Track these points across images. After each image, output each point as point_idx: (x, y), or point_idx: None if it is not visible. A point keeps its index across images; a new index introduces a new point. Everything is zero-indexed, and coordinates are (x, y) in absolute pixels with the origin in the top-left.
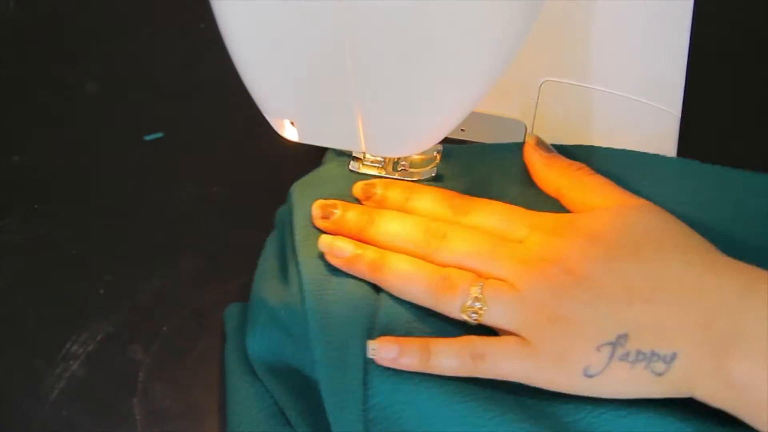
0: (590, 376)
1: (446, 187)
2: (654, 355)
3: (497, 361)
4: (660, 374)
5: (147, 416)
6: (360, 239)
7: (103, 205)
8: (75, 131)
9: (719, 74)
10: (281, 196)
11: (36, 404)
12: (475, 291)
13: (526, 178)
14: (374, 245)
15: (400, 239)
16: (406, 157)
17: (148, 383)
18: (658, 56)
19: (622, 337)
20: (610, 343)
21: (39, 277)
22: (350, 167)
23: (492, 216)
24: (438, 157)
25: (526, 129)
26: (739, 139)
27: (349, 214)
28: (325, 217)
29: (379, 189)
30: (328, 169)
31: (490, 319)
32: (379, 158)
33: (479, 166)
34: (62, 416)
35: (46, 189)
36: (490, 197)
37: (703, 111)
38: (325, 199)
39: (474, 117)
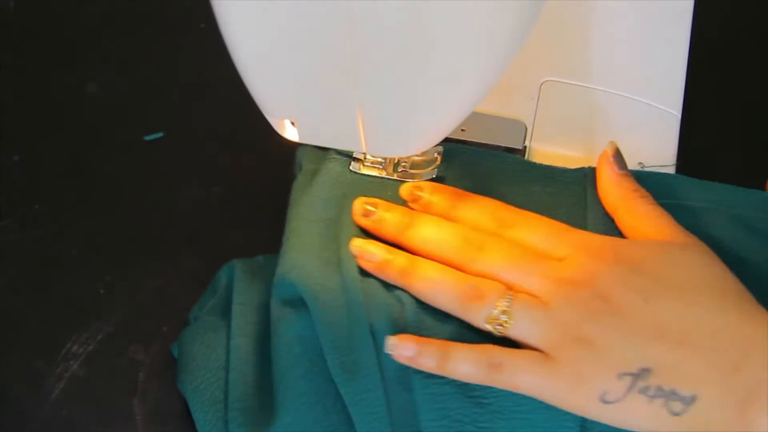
0: (606, 402)
1: None
2: (674, 394)
3: (514, 373)
4: (676, 414)
5: (147, 416)
6: (397, 242)
7: (103, 205)
8: (75, 131)
9: (719, 74)
10: (281, 196)
11: (36, 404)
12: (502, 303)
13: (527, 180)
14: (410, 249)
15: (436, 246)
16: (406, 158)
17: (148, 383)
18: (658, 56)
19: (645, 371)
20: (632, 374)
21: (39, 277)
22: (351, 168)
23: (536, 232)
24: (439, 158)
25: (526, 129)
26: (740, 140)
27: (388, 215)
28: (365, 215)
29: (426, 193)
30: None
31: (514, 333)
32: (379, 159)
33: (480, 167)
34: (62, 416)
35: (46, 189)
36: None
37: (703, 111)
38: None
39: (474, 117)
